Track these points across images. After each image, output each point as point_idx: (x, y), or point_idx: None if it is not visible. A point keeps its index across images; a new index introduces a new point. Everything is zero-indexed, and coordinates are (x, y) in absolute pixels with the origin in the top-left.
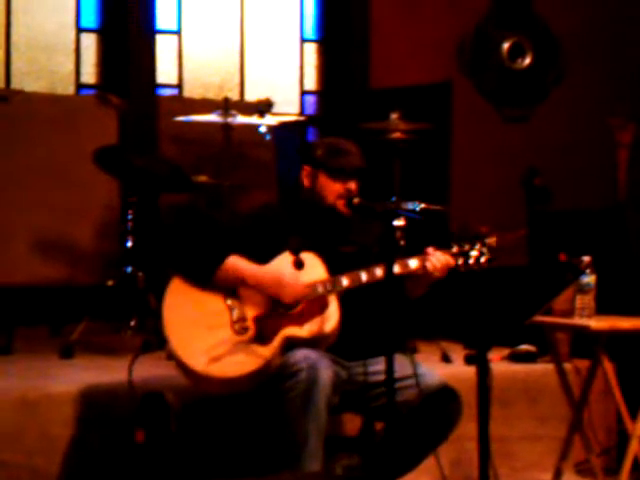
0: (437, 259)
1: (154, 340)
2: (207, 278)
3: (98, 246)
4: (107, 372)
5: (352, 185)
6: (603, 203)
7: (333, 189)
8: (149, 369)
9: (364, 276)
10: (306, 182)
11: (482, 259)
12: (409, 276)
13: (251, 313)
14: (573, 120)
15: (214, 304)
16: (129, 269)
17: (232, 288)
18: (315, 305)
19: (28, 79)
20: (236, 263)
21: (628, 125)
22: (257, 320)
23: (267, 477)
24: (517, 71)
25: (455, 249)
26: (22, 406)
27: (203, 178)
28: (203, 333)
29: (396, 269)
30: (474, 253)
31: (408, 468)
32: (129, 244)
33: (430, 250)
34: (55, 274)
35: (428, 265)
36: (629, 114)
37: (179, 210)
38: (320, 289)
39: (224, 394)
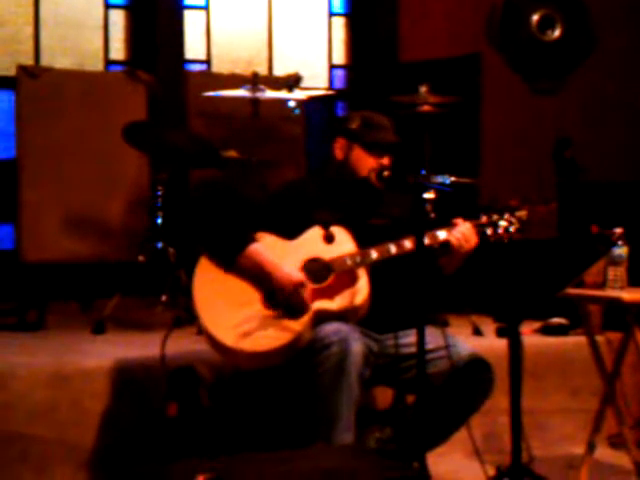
0: (462, 230)
1: (185, 315)
2: (230, 262)
3: (128, 222)
4: (139, 347)
5: (386, 160)
6: (635, 175)
7: (367, 163)
8: (180, 344)
9: (393, 248)
10: (339, 154)
11: (511, 229)
12: (442, 252)
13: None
14: (604, 92)
15: (245, 279)
16: (160, 245)
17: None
18: (345, 278)
19: (57, 56)
20: (258, 251)
21: None
22: (285, 298)
23: (300, 450)
24: (547, 43)
25: (484, 219)
26: (55, 381)
27: (232, 153)
28: (234, 308)
29: (425, 240)
30: (503, 223)
31: (440, 440)
32: (159, 220)
33: (458, 221)
34: (86, 250)
35: (455, 234)
36: None
37: (208, 186)
38: (349, 262)
39: (256, 368)
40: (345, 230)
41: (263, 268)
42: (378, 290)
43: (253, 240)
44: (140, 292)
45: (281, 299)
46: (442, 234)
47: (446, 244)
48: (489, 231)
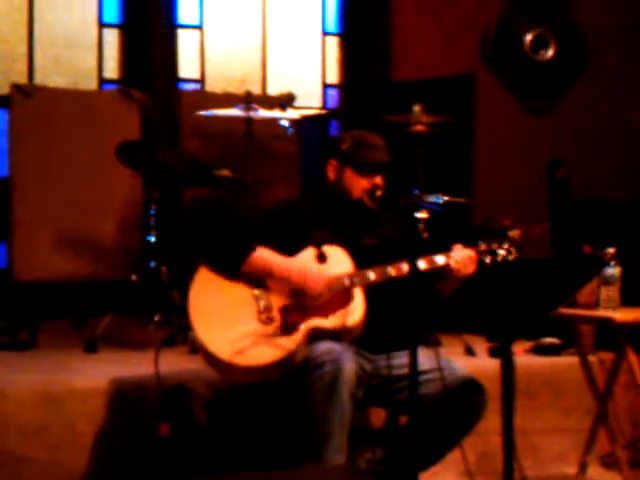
0: (461, 256)
1: (178, 334)
2: (235, 268)
3: (121, 241)
4: (131, 366)
5: (378, 180)
6: (628, 194)
7: (359, 184)
8: (174, 363)
9: (391, 271)
10: (332, 176)
11: (510, 257)
12: (440, 275)
13: (277, 304)
14: (597, 111)
15: (241, 294)
16: (152, 264)
17: (259, 279)
18: (341, 298)
19: (51, 74)
20: (264, 254)
21: None
22: (283, 311)
23: (291, 470)
24: (540, 63)
25: (483, 246)
26: (46, 401)
27: (225, 172)
28: (229, 323)
29: (423, 265)
30: (502, 252)
31: (433, 461)
32: (152, 239)
33: (457, 247)
34: (79, 270)
35: (451, 262)
36: None
37: (205, 202)
38: (347, 282)
39: (249, 383)
40: (343, 250)
41: (272, 268)
42: (374, 310)
43: (254, 249)
44: (133, 311)
45: (292, 293)
46: (440, 259)
47: (444, 268)
48: (487, 259)
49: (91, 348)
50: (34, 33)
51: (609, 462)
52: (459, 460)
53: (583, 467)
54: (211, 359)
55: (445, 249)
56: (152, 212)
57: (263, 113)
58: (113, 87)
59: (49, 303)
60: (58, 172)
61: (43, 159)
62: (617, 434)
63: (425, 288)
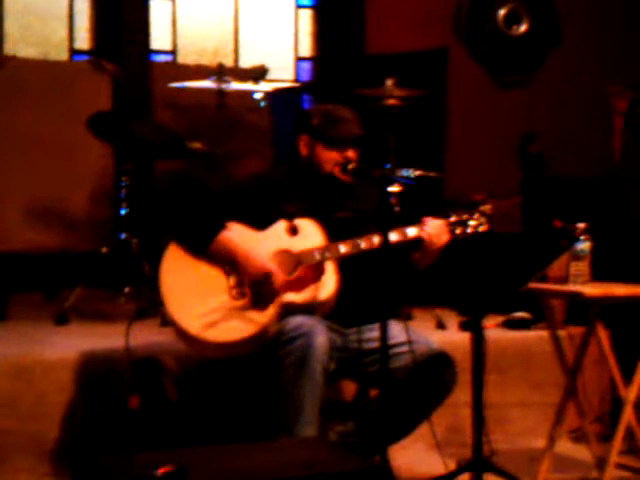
0: (433, 226)
1: (148, 307)
2: (203, 247)
3: (92, 213)
4: (102, 339)
5: (350, 153)
6: (598, 169)
7: (330, 158)
8: (144, 336)
9: (362, 244)
10: (303, 151)
11: (480, 228)
12: (416, 247)
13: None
14: (570, 87)
15: (212, 269)
16: (123, 236)
17: (226, 261)
18: (313, 272)
19: (21, 45)
20: (230, 237)
21: (625, 93)
22: (254, 286)
23: (262, 443)
24: (513, 37)
25: (453, 218)
26: (17, 372)
27: (197, 145)
28: (200, 297)
29: (394, 237)
30: (472, 222)
31: (403, 434)
32: (123, 211)
33: (427, 219)
34: (49, 241)
35: (424, 234)
36: (626, 81)
37: (174, 177)
38: (317, 256)
39: (221, 357)
40: (315, 223)
41: (235, 255)
42: (346, 284)
43: (224, 228)
44: (103, 283)
45: (250, 287)
46: (412, 230)
47: (417, 240)
48: (458, 230)
49: (61, 320)
50: (4, 2)
51: (578, 436)
52: (429, 433)
53: (552, 441)
54: (182, 334)
55: (416, 222)
56: (123, 184)
57: (235, 85)
58: (84, 58)
59: (19, 275)
60: (29, 143)
61: (14, 130)
62: (586, 409)
63: (400, 261)
